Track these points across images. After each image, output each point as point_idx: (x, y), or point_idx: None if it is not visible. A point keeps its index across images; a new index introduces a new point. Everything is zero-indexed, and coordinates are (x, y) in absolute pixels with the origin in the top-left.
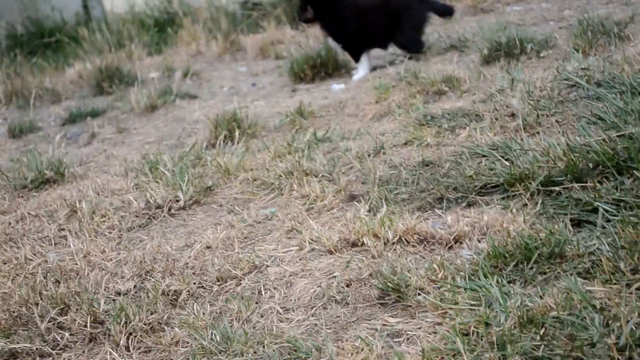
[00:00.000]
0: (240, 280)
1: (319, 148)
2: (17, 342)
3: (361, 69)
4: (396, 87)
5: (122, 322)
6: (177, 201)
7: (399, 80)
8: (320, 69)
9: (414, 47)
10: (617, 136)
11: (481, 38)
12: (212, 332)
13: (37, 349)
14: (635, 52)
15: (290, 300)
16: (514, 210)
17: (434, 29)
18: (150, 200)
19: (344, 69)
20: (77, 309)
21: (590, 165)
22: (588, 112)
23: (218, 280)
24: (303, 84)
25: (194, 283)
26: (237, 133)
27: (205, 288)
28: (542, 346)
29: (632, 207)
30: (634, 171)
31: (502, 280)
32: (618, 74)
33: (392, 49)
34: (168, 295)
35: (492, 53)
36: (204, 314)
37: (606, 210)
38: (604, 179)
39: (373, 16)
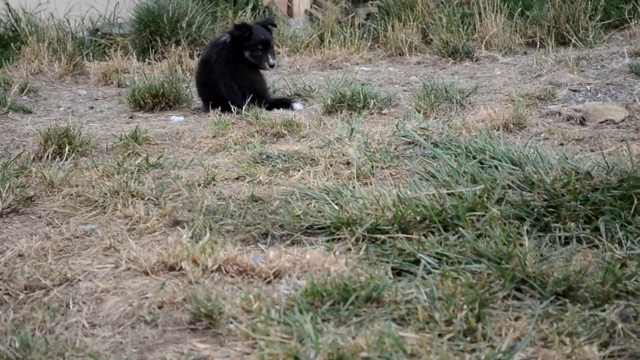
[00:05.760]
0: (49, 291)
1: (149, 173)
2: None
3: None
4: (236, 125)
5: None
6: None
7: (239, 118)
8: (161, 100)
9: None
10: (448, 194)
11: (326, 90)
12: (11, 339)
13: None
14: (474, 119)
15: (98, 316)
16: (337, 253)
17: (280, 77)
18: None
19: (186, 103)
20: None
21: (418, 218)
22: (422, 169)
23: (25, 289)
24: (142, 112)
25: (0, 289)
26: (67, 149)
27: (11, 295)
28: None
29: (454, 262)
30: (460, 228)
31: (317, 318)
32: (455, 137)
33: None
34: None
35: (335, 104)
36: (5, 320)
37: (428, 263)
38: (430, 233)
39: None
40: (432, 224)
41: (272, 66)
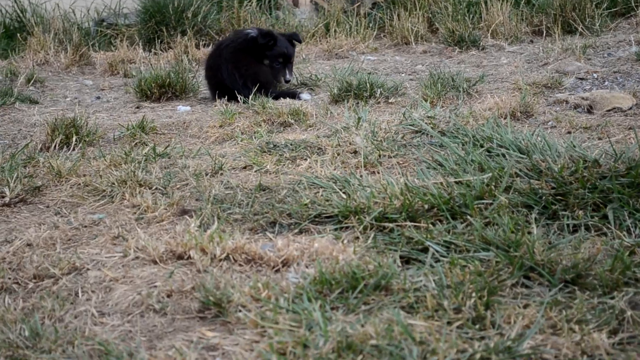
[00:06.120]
0: (58, 279)
1: (156, 162)
2: None
3: None
4: (242, 114)
5: None
6: (3, 197)
7: (246, 108)
8: (168, 89)
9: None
10: (455, 182)
11: (333, 79)
12: (21, 327)
13: None
14: (481, 108)
15: (108, 304)
16: (345, 241)
17: None
18: None
19: (192, 92)
20: None
21: (426, 206)
22: (429, 158)
23: (34, 278)
24: (149, 102)
25: (9, 278)
26: (74, 139)
27: (20, 284)
28: None
29: (462, 250)
30: (468, 217)
31: (325, 306)
32: (462, 125)
33: None
34: None
35: (342, 93)
36: (15, 308)
37: (436, 251)
38: (438, 221)
39: None
40: (440, 213)
41: (287, 82)
